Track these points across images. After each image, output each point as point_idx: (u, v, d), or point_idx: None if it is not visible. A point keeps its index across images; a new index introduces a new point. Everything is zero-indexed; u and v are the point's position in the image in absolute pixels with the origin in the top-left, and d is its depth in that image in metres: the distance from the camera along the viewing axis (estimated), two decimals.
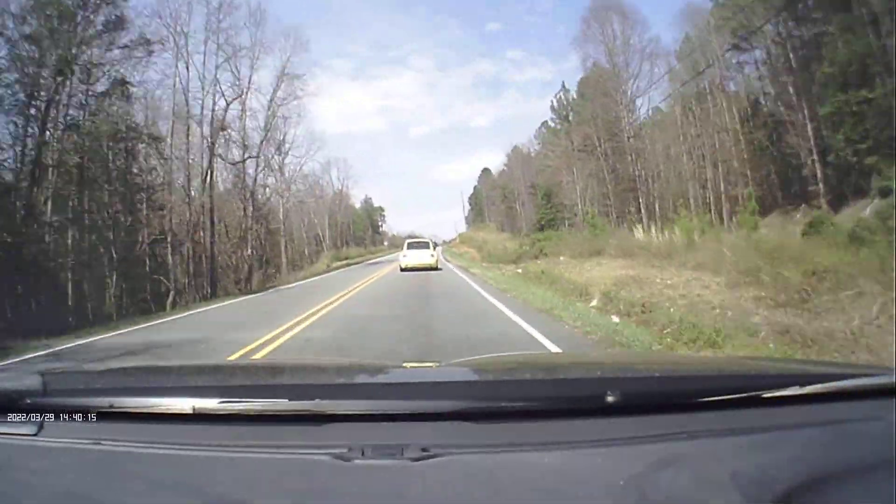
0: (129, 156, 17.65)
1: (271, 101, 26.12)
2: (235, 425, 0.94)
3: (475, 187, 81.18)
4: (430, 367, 1.63)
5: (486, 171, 75.43)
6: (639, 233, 16.44)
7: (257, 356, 5.70)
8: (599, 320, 7.22)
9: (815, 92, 21.01)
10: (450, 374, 1.34)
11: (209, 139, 22.09)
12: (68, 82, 14.01)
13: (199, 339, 7.38)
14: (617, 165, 36.18)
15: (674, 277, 9.89)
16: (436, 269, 19.85)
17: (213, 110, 22.58)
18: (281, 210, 34.25)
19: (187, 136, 21.75)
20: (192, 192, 21.76)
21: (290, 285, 20.49)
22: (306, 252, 48.21)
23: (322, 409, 0.93)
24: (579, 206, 39.28)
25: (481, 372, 1.39)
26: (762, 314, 7.02)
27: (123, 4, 16.00)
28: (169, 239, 19.22)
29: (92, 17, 14.98)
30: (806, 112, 21.68)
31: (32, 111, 14.27)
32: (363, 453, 0.82)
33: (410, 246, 21.09)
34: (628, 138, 32.62)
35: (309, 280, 22.78)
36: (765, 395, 0.97)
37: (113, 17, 15.68)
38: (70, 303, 17.56)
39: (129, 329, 9.37)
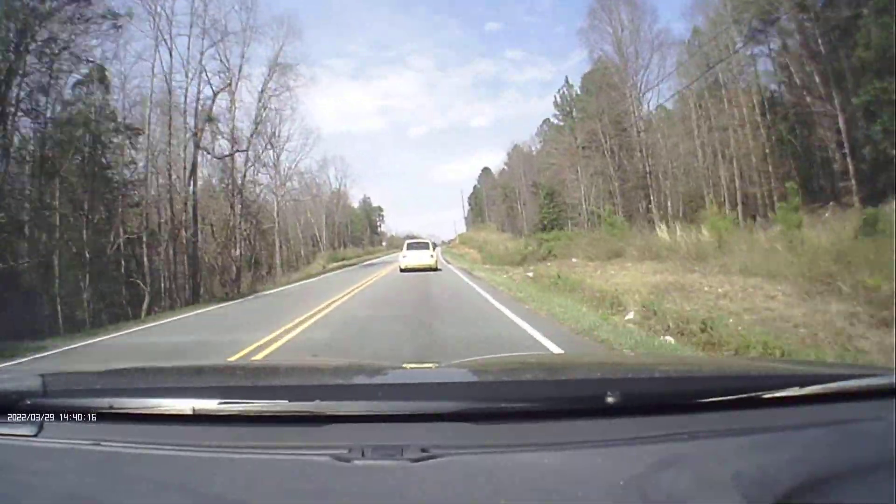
0: (96, 145, 15.97)
1: (262, 91, 24.53)
2: (235, 426, 0.94)
3: (475, 187, 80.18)
4: (430, 367, 1.61)
5: (486, 170, 74.52)
6: (662, 232, 14.86)
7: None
8: (652, 343, 5.62)
9: (846, 80, 19.45)
10: (450, 375, 1.34)
11: (193, 130, 20.42)
12: (22, 62, 12.35)
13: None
14: (624, 162, 34.75)
15: (724, 285, 8.29)
16: (435, 269, 19.89)
17: (199, 99, 20.93)
18: (275, 208, 32.56)
19: (169, 126, 20.11)
20: (175, 188, 20.12)
21: (278, 289, 18.90)
22: (302, 252, 46.90)
23: (322, 410, 0.93)
24: (584, 206, 38.02)
25: (481, 373, 1.38)
26: (862, 333, 5.46)
27: None
28: (144, 238, 17.53)
29: None
30: (837, 101, 20.07)
31: None
32: (363, 454, 0.81)
33: (410, 247, 21.17)
34: (638, 133, 31.03)
35: (299, 283, 21.20)
36: (766, 396, 0.96)
37: None
38: (35, 308, 16.09)
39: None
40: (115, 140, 18.80)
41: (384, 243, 74.69)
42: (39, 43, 13.51)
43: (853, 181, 19.77)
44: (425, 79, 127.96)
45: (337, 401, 0.99)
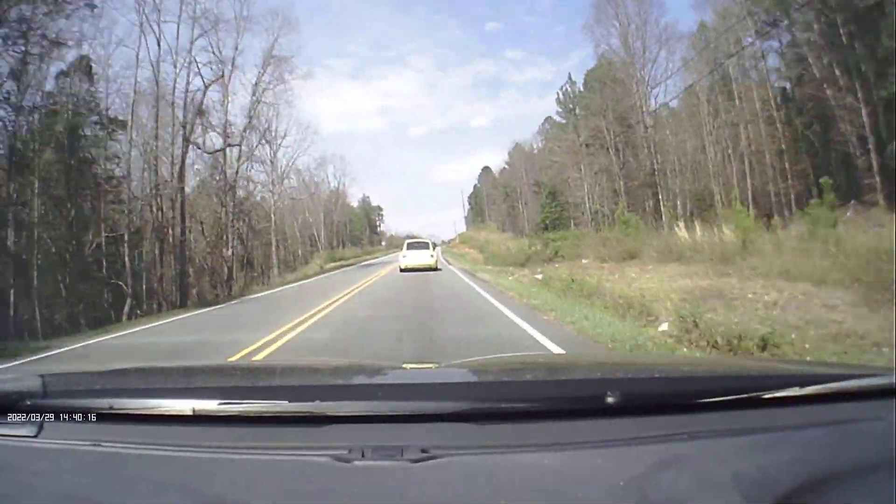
0: (76, 137, 14.92)
1: (257, 83, 23.51)
2: (235, 427, 0.93)
3: (475, 186, 79.30)
4: (430, 368, 1.58)
5: (486, 169, 73.68)
6: (681, 231, 13.86)
7: None
8: None
9: (869, 72, 18.45)
10: (450, 376, 1.33)
11: (181, 123, 19.37)
12: None
13: None
14: (629, 160, 33.79)
15: (770, 291, 7.26)
16: (435, 269, 20.00)
17: (187, 90, 19.89)
18: (272, 207, 31.46)
19: (156, 119, 19.06)
20: (161, 184, 19.06)
21: (270, 291, 17.87)
22: (300, 252, 45.87)
23: (322, 411, 0.92)
24: (587, 204, 37.10)
25: (481, 373, 1.37)
26: None
27: None
28: (126, 237, 16.49)
29: None
30: (860, 94, 19.06)
31: None
32: (363, 455, 0.81)
33: (410, 247, 21.21)
34: (646, 129, 30.02)
35: (295, 284, 20.17)
36: (765, 396, 0.95)
37: None
38: (11, 311, 15.11)
39: None
40: (99, 133, 17.76)
41: (383, 243, 73.77)
42: (12, 24, 12.48)
43: (877, 178, 18.76)
44: (425, 79, 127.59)
45: (337, 401, 0.97)
